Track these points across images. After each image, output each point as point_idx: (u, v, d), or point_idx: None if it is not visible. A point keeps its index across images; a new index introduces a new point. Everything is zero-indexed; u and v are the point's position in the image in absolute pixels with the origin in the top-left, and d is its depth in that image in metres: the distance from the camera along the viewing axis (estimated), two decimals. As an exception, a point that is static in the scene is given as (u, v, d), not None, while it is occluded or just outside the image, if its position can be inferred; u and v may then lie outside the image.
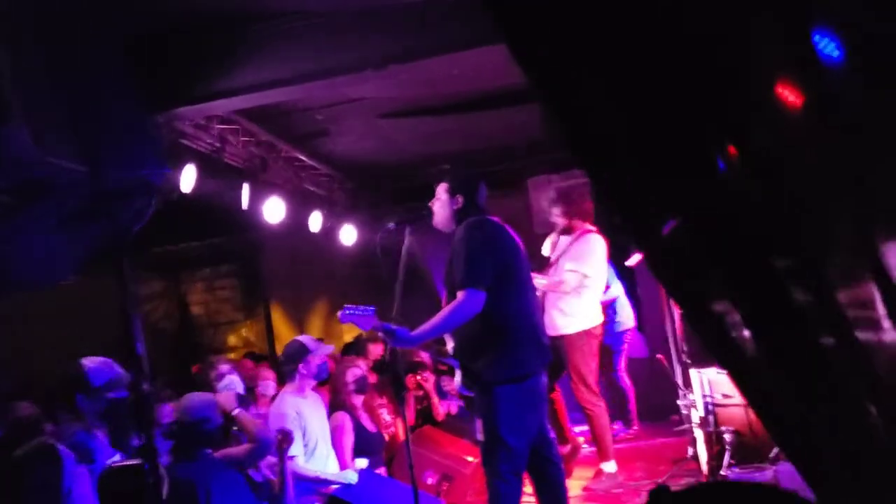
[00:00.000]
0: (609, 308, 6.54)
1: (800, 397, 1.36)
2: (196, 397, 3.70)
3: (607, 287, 6.46)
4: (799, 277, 1.29)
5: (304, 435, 4.52)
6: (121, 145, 2.22)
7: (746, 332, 1.36)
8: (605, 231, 5.89)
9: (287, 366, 4.73)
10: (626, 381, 6.79)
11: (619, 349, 6.71)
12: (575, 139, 1.43)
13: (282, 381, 5.30)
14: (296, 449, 4.42)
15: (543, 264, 5.75)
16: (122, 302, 1.96)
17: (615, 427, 6.56)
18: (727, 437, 4.51)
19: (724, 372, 4.74)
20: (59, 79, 2.51)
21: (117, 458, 3.16)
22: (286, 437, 4.04)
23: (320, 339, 5.56)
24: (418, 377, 6.18)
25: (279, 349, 9.45)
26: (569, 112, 1.42)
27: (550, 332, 5.37)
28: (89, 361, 3.36)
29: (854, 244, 1.22)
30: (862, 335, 1.24)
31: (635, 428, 6.78)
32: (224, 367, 5.07)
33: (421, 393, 6.23)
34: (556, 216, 5.73)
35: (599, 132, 1.39)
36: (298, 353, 4.70)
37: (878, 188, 1.23)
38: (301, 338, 5.00)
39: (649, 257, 1.49)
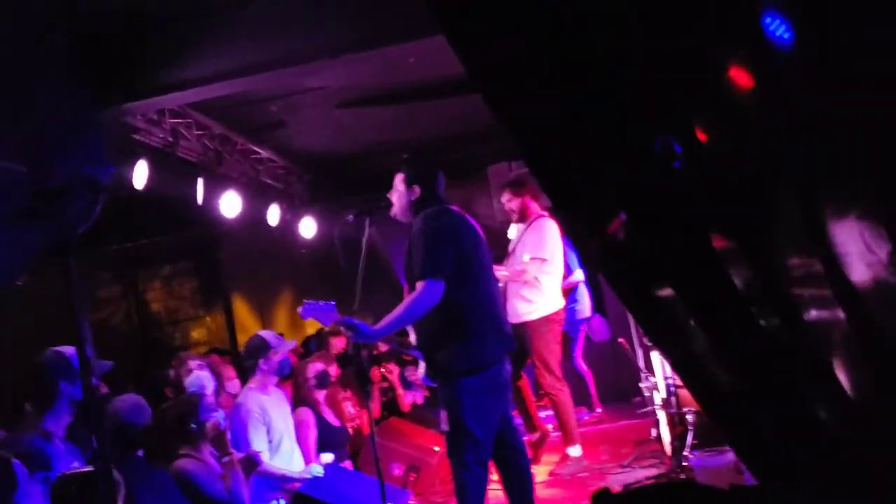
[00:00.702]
0: (570, 295, 6.56)
1: (743, 381, 1.36)
2: (127, 399, 3.61)
3: (570, 272, 6.48)
4: (744, 263, 1.29)
5: (268, 431, 4.47)
6: (63, 143, 2.15)
7: (690, 325, 1.36)
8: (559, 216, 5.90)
9: (248, 361, 4.68)
10: (583, 366, 6.83)
11: (575, 336, 6.74)
12: (518, 136, 1.41)
13: (243, 377, 5.23)
14: (261, 445, 4.37)
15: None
16: (69, 303, 1.89)
17: (579, 412, 6.60)
18: (690, 418, 4.56)
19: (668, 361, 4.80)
20: (2, 78, 2.42)
21: (76, 465, 3.08)
22: (251, 462, 3.98)
23: (281, 335, 5.50)
24: (382, 369, 6.16)
25: (241, 345, 9.36)
26: (511, 109, 1.40)
27: (513, 319, 5.39)
28: (67, 349, 3.29)
29: (800, 227, 1.22)
30: (806, 315, 1.24)
31: (598, 411, 6.84)
32: (193, 364, 4.96)
33: (386, 385, 6.20)
34: (507, 202, 5.73)
35: (542, 130, 1.37)
36: (259, 348, 4.64)
37: (824, 170, 1.23)
38: (262, 333, 4.94)
39: (593, 252, 1.48)
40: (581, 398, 6.76)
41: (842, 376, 1.24)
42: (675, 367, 1.53)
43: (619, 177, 1.30)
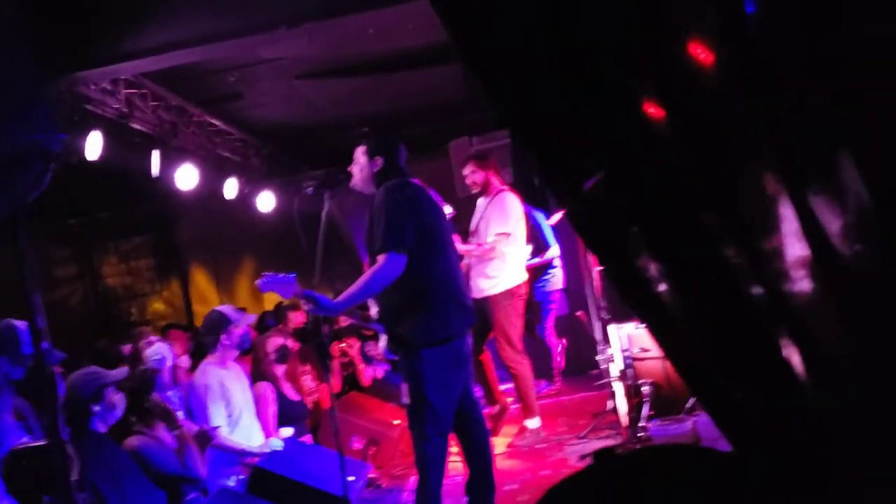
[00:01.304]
0: (547, 268, 6.63)
1: (722, 350, 1.37)
2: (80, 374, 3.55)
3: (547, 247, 6.54)
4: (725, 230, 1.30)
5: (227, 405, 4.45)
6: (10, 110, 2.08)
7: (667, 286, 1.37)
8: (522, 192, 5.93)
9: (208, 337, 4.62)
10: (553, 339, 6.90)
11: (547, 308, 6.79)
12: (496, 96, 1.40)
13: (200, 352, 5.18)
14: (220, 420, 4.35)
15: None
16: (20, 274, 1.84)
17: (538, 384, 6.67)
18: (645, 389, 4.65)
19: (643, 326, 4.87)
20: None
21: (25, 440, 3.02)
22: (205, 437, 3.95)
23: (243, 309, 5.45)
24: (342, 344, 6.15)
25: (198, 320, 9.27)
26: (491, 70, 1.39)
27: (476, 294, 5.41)
28: (22, 323, 3.18)
29: (779, 194, 1.24)
30: (787, 286, 1.26)
31: (557, 384, 6.92)
32: (153, 339, 4.90)
33: (346, 360, 6.19)
34: (470, 173, 5.73)
35: (521, 89, 1.37)
36: (220, 323, 4.60)
37: (802, 138, 1.24)
38: (221, 308, 4.89)
39: (571, 213, 1.48)
40: (543, 370, 6.83)
41: (824, 343, 1.26)
42: (652, 333, 1.54)
43: (599, 136, 1.30)
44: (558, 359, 6.95)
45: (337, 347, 6.09)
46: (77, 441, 2.78)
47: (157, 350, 4.45)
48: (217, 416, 4.33)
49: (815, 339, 1.30)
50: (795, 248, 1.25)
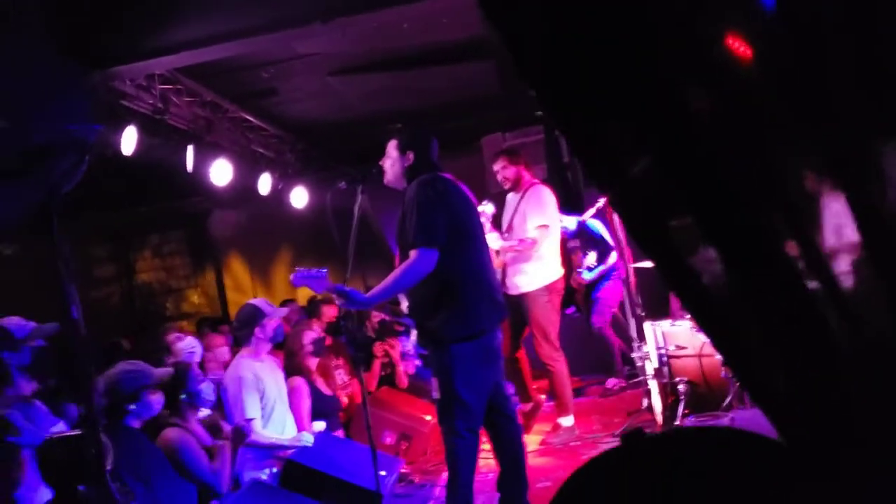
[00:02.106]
0: (612, 269, 6.61)
1: (771, 339, 1.33)
2: (124, 370, 3.57)
3: (611, 249, 6.54)
4: (772, 218, 1.26)
5: (261, 398, 4.46)
6: (47, 101, 2.09)
7: (713, 275, 1.33)
8: (555, 188, 5.90)
9: (242, 330, 4.63)
10: (613, 335, 6.84)
11: (610, 307, 6.73)
12: (542, 82, 1.37)
13: (236, 345, 5.21)
14: (254, 412, 4.36)
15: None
16: (54, 265, 1.85)
17: (612, 382, 6.65)
18: (681, 387, 4.58)
19: (687, 318, 4.80)
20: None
21: (60, 426, 3.06)
22: (241, 434, 3.97)
23: (290, 300, 5.48)
24: (385, 345, 6.13)
25: (232, 314, 9.34)
26: (532, 55, 1.36)
27: (512, 291, 5.38)
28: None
29: (827, 180, 1.20)
30: (837, 274, 1.21)
31: (623, 381, 6.83)
32: (178, 334, 4.94)
33: (387, 360, 6.18)
34: (501, 169, 5.67)
35: (564, 73, 1.33)
36: (254, 316, 4.61)
37: (847, 125, 1.20)
38: (255, 301, 4.91)
39: (615, 199, 1.44)
40: (609, 367, 6.80)
41: (874, 332, 1.22)
42: (696, 318, 1.49)
43: (645, 122, 1.26)
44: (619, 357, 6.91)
45: (380, 348, 6.08)
46: (109, 434, 2.80)
47: (190, 343, 4.48)
48: (252, 409, 4.35)
49: (865, 328, 1.26)
50: (844, 235, 1.22)
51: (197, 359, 4.60)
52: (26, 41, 2.20)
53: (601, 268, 6.58)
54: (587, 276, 6.60)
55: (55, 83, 2.09)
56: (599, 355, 6.87)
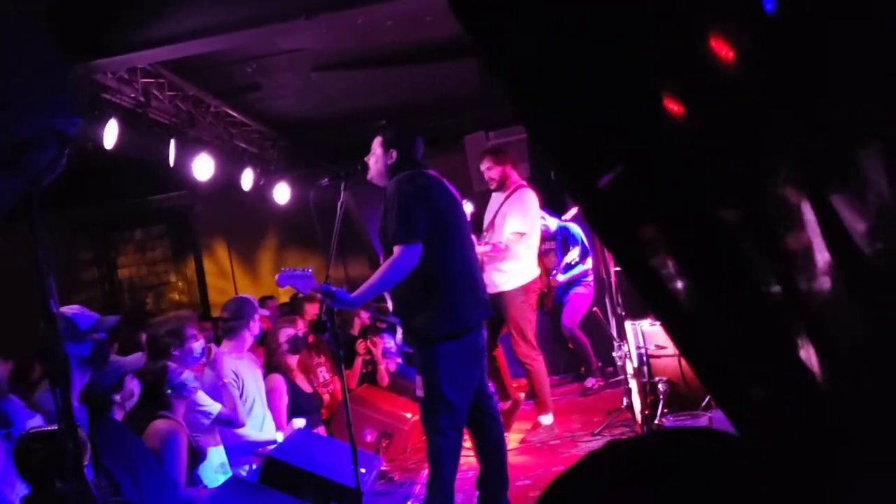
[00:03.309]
0: (587, 271, 6.64)
1: (738, 348, 1.35)
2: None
3: (589, 253, 6.60)
4: (743, 228, 1.27)
5: (240, 395, 4.44)
6: (29, 92, 2.07)
7: (683, 284, 1.34)
8: (539, 187, 5.91)
9: (233, 321, 4.60)
10: (582, 335, 6.87)
11: (583, 308, 6.76)
12: (513, 90, 1.38)
13: (216, 340, 5.18)
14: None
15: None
16: (34, 258, 1.84)
17: (591, 381, 6.68)
18: (661, 386, 4.60)
19: (659, 323, 4.83)
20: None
21: (37, 420, 3.03)
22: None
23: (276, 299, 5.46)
24: (368, 342, 6.12)
25: (214, 310, 9.30)
26: (506, 63, 1.36)
27: (490, 289, 5.36)
28: (68, 309, 3.26)
29: (801, 191, 1.21)
30: (806, 285, 1.23)
31: (601, 380, 6.87)
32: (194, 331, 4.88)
33: (368, 357, 6.18)
34: (486, 169, 5.68)
35: (537, 83, 1.34)
36: (246, 310, 4.60)
37: (825, 136, 1.21)
38: (244, 296, 4.90)
39: (586, 210, 1.45)
40: (587, 368, 6.83)
41: (842, 343, 1.23)
42: (667, 330, 1.51)
43: (615, 132, 1.27)
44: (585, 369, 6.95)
45: (362, 345, 6.08)
46: (95, 429, 2.79)
47: (203, 346, 4.46)
48: (228, 404, 4.33)
49: (833, 339, 1.27)
50: (816, 246, 1.23)
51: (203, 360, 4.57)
52: (8, 32, 2.18)
53: (575, 271, 6.60)
54: (561, 277, 6.63)
55: (38, 75, 2.07)
56: (574, 355, 6.92)
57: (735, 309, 1.31)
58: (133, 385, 3.48)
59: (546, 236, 6.69)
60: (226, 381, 4.34)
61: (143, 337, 5.05)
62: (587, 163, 1.36)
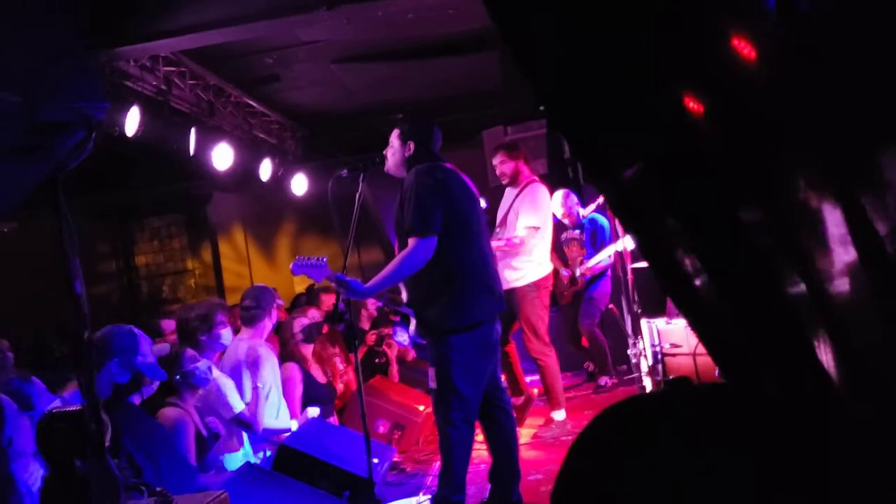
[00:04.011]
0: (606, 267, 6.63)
1: (757, 343, 1.35)
2: None
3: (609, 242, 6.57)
4: (764, 225, 1.27)
5: (259, 383, 4.47)
6: (57, 77, 2.10)
7: (705, 278, 1.35)
8: (556, 183, 5.92)
9: (255, 309, 4.64)
10: (601, 334, 6.86)
11: (601, 305, 6.75)
12: (538, 80, 1.38)
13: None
14: (248, 397, 4.38)
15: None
16: (59, 240, 1.86)
17: (605, 380, 6.68)
18: (675, 385, 4.59)
19: (673, 321, 4.83)
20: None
21: (57, 403, 3.07)
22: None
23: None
24: (384, 343, 6.17)
25: (230, 298, 9.35)
26: (534, 59, 1.37)
27: (502, 285, 5.39)
28: (142, 334, 3.38)
29: (822, 189, 1.21)
30: (827, 283, 1.23)
31: (615, 378, 6.87)
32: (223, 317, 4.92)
33: (381, 350, 6.21)
34: (499, 163, 5.67)
35: (564, 79, 1.35)
36: (268, 298, 4.65)
37: (846, 134, 1.21)
38: (263, 285, 4.94)
39: (611, 200, 1.46)
40: (602, 367, 6.83)
41: (860, 342, 1.23)
42: (686, 318, 1.52)
43: (640, 125, 1.28)
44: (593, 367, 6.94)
45: (372, 336, 6.12)
46: (112, 411, 2.83)
47: (230, 333, 4.50)
48: (248, 391, 4.37)
49: (851, 338, 1.27)
50: (836, 244, 1.23)
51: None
52: (37, 18, 2.21)
53: (598, 260, 6.58)
54: (591, 263, 6.59)
55: (65, 60, 2.10)
56: (586, 352, 6.91)
57: (754, 304, 1.31)
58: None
59: (575, 222, 6.67)
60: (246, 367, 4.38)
61: (163, 324, 5.10)
62: (613, 154, 1.37)
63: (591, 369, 7.01)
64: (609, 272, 6.66)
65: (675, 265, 1.37)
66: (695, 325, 1.52)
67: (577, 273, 6.59)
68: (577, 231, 6.75)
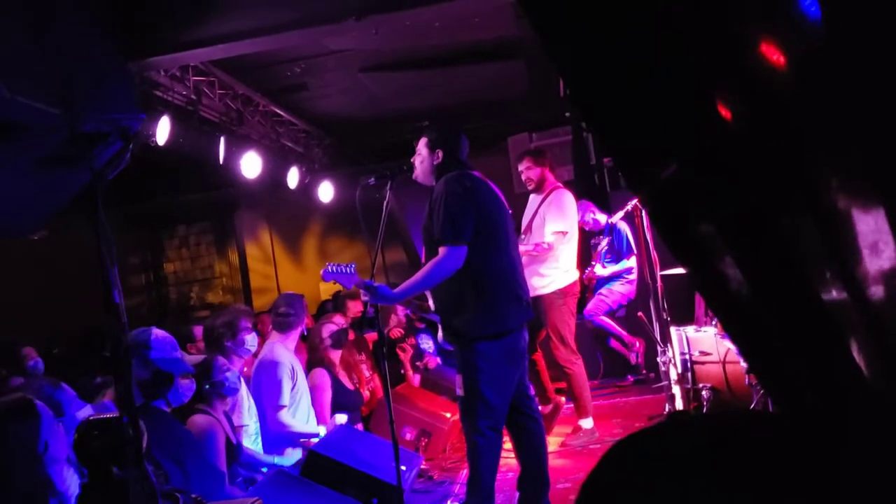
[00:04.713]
0: (624, 273, 6.64)
1: (795, 349, 1.34)
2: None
3: (630, 254, 6.60)
4: (801, 228, 1.27)
5: (293, 388, 4.51)
6: (95, 89, 2.14)
7: (740, 280, 1.34)
8: (582, 190, 5.91)
9: (289, 317, 4.68)
10: (604, 321, 6.87)
11: (612, 305, 6.76)
12: (575, 84, 1.39)
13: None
14: (285, 400, 4.42)
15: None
16: (98, 249, 1.89)
17: (630, 378, 6.70)
18: (705, 393, 4.56)
19: (710, 324, 4.79)
20: (30, 19, 2.40)
21: (88, 409, 3.11)
22: None
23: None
24: (397, 348, 6.21)
25: (256, 304, 9.42)
26: (570, 58, 1.38)
27: (529, 293, 5.38)
28: (159, 332, 3.43)
29: (862, 193, 1.20)
30: (865, 288, 1.22)
31: (629, 379, 6.86)
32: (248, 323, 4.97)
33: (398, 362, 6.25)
34: (525, 169, 5.67)
35: (600, 72, 1.35)
36: (301, 304, 4.70)
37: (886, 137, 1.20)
38: (293, 292, 4.99)
39: (645, 200, 1.45)
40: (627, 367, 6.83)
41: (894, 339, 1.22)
42: (722, 323, 1.51)
43: (676, 127, 1.27)
44: (636, 356, 6.92)
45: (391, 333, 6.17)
46: (143, 416, 2.86)
47: (255, 339, 4.55)
48: (285, 395, 4.41)
49: (889, 343, 1.25)
50: (877, 250, 1.21)
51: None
52: (74, 31, 2.25)
53: (617, 268, 6.62)
54: (600, 270, 6.65)
55: (106, 73, 2.13)
56: (614, 358, 6.90)
57: (794, 311, 1.30)
58: (185, 384, 3.54)
59: (595, 229, 6.72)
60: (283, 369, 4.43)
61: (195, 330, 5.15)
62: (648, 156, 1.36)
63: (634, 361, 6.98)
64: (626, 277, 6.66)
65: (710, 268, 1.36)
66: (730, 330, 1.51)
67: (584, 276, 6.62)
68: (597, 237, 6.81)
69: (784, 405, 1.47)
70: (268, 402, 4.36)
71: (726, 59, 1.26)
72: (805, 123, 1.26)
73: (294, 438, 4.44)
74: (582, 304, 6.65)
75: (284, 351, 4.54)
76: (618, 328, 6.82)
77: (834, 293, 1.26)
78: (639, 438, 1.30)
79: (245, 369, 4.68)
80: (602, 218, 6.74)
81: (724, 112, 1.29)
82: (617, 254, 6.68)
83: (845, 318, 1.26)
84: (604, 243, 6.76)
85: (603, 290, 6.72)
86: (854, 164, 1.24)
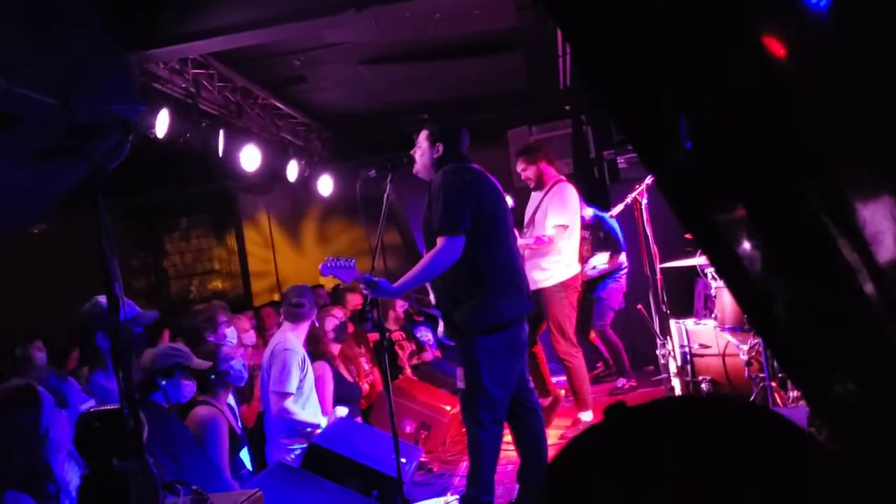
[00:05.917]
0: (617, 269, 6.62)
1: (821, 335, 1.32)
2: (166, 347, 3.66)
3: (622, 250, 6.58)
4: (823, 208, 1.25)
5: (303, 378, 4.51)
6: (94, 80, 2.13)
7: (760, 262, 1.32)
8: (582, 183, 5.89)
9: (300, 307, 4.68)
10: (614, 335, 6.83)
11: (610, 307, 6.72)
12: (587, 56, 1.36)
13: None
14: (292, 388, 4.43)
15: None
16: (98, 242, 1.89)
17: (622, 381, 6.65)
18: (704, 386, 4.56)
19: (708, 317, 4.78)
20: (29, 10, 2.39)
21: (91, 403, 3.11)
22: None
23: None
24: (396, 346, 6.22)
25: (256, 299, 9.42)
26: (585, 36, 1.36)
27: (530, 286, 5.37)
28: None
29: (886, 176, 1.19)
30: (884, 255, 1.20)
31: (633, 380, 6.84)
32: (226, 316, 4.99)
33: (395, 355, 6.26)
34: (521, 170, 5.66)
35: (614, 51, 1.33)
36: (312, 296, 4.70)
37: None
38: (304, 284, 5.00)
39: (661, 179, 1.43)
40: (618, 367, 6.81)
41: None
42: (739, 304, 1.49)
43: (687, 102, 1.26)
44: (604, 367, 6.92)
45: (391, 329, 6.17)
46: (142, 408, 2.85)
47: (234, 333, 4.57)
48: (293, 383, 4.42)
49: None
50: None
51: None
52: (72, 21, 2.24)
53: (606, 266, 6.59)
54: (590, 271, 6.60)
55: (104, 64, 2.12)
56: (596, 351, 6.90)
57: (815, 295, 1.28)
58: (186, 384, 3.55)
59: (583, 224, 6.69)
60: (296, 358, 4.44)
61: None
62: (665, 132, 1.34)
63: (598, 371, 6.98)
64: (619, 273, 6.64)
65: (727, 249, 1.34)
66: (747, 311, 1.49)
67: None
68: (584, 230, 6.77)
69: (807, 390, 1.46)
70: (274, 388, 4.37)
71: (744, 33, 1.24)
72: (827, 99, 1.24)
73: (296, 428, 4.44)
74: (582, 304, 6.65)
75: (297, 340, 4.54)
76: (622, 350, 6.78)
77: (858, 279, 1.24)
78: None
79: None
80: (588, 212, 6.68)
81: (743, 86, 1.27)
82: (614, 244, 6.63)
83: (874, 303, 1.24)
84: (584, 235, 6.72)
85: (602, 294, 6.67)
86: (877, 142, 1.22)
